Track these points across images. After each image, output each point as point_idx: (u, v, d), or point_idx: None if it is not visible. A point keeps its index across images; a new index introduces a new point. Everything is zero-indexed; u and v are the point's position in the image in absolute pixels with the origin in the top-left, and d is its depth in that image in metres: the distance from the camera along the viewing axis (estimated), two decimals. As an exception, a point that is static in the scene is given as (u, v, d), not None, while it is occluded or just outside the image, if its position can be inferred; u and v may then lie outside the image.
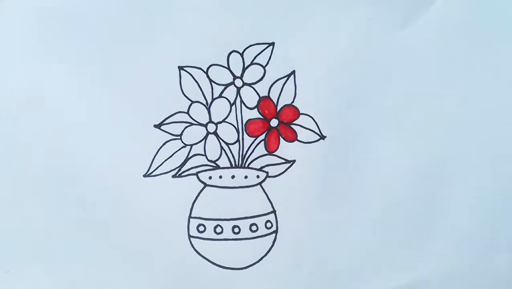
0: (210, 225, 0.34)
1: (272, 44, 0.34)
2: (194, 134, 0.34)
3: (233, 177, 0.34)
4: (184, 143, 0.34)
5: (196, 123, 0.34)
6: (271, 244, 0.35)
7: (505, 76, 0.35)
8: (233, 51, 0.34)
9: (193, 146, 0.34)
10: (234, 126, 0.35)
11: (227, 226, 0.34)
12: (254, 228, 0.34)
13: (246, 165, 0.35)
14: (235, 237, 0.34)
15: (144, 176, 0.34)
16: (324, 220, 0.35)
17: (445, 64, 0.35)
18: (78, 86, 0.34)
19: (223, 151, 0.35)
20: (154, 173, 0.34)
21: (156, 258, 0.34)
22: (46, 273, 0.33)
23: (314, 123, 0.35)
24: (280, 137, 0.35)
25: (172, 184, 0.34)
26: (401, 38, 0.35)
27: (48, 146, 0.33)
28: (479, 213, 0.36)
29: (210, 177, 0.34)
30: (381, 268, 0.36)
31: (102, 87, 0.34)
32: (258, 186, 0.35)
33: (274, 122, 0.35)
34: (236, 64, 0.34)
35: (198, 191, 0.34)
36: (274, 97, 0.35)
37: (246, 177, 0.34)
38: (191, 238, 0.34)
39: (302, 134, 0.35)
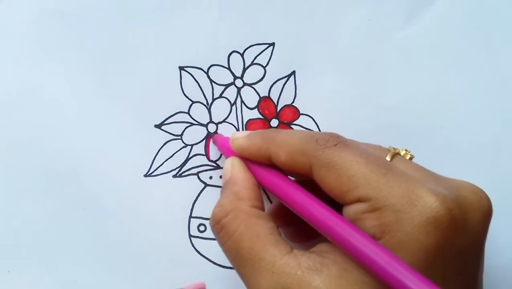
0: (210, 224, 0.34)
1: (272, 44, 0.34)
2: (194, 134, 0.34)
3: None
4: (185, 143, 0.34)
5: (196, 123, 0.34)
6: (272, 244, 0.35)
7: (505, 76, 0.35)
8: (234, 51, 0.34)
9: (194, 146, 0.34)
10: (235, 126, 0.35)
11: (228, 226, 0.34)
12: (254, 228, 0.34)
13: (246, 165, 0.34)
14: (235, 237, 0.34)
15: (145, 176, 0.34)
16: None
17: (445, 64, 0.35)
18: (78, 86, 0.34)
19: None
20: (154, 173, 0.34)
21: (156, 258, 0.34)
22: (47, 273, 0.33)
23: (314, 123, 0.35)
24: (280, 137, 0.35)
25: (173, 184, 0.34)
26: (401, 38, 0.35)
27: (48, 146, 0.33)
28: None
29: (210, 177, 0.34)
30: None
31: (102, 87, 0.34)
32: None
33: (274, 122, 0.35)
34: (236, 64, 0.34)
35: (199, 191, 0.34)
36: (274, 97, 0.35)
37: (246, 177, 0.34)
38: (192, 238, 0.34)
39: (302, 134, 0.35)
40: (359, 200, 0.23)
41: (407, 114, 0.35)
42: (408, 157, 0.27)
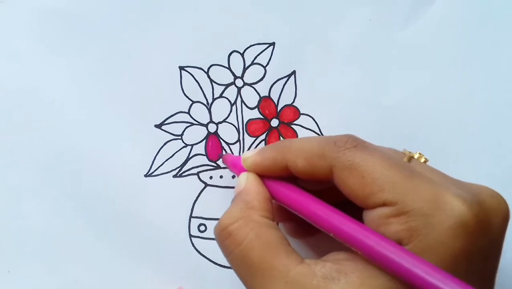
0: (211, 224, 0.34)
1: (273, 44, 0.35)
2: (195, 134, 0.34)
3: (234, 177, 0.34)
4: (185, 143, 0.34)
5: (197, 123, 0.35)
6: (272, 243, 0.35)
7: (505, 76, 0.35)
8: (234, 51, 0.34)
9: (194, 146, 0.35)
10: (235, 126, 0.35)
11: (228, 226, 0.34)
12: (254, 227, 0.34)
13: (246, 165, 0.34)
14: (236, 237, 0.34)
15: (145, 176, 0.34)
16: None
17: (445, 64, 0.35)
18: (79, 86, 0.34)
19: (223, 151, 0.35)
20: (155, 173, 0.34)
21: (157, 258, 0.34)
22: (47, 272, 0.33)
23: (314, 123, 0.35)
24: (281, 137, 0.35)
25: (173, 184, 0.34)
26: (401, 38, 0.35)
27: (48, 146, 0.34)
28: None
29: (211, 177, 0.34)
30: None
31: (102, 87, 0.34)
32: (259, 186, 0.35)
33: (274, 122, 0.35)
34: (236, 64, 0.34)
35: (199, 191, 0.34)
36: (274, 97, 0.35)
37: (246, 177, 0.34)
38: (192, 238, 0.34)
39: (302, 134, 0.35)
40: (384, 204, 0.23)
41: (407, 114, 0.35)
42: (422, 160, 0.27)
